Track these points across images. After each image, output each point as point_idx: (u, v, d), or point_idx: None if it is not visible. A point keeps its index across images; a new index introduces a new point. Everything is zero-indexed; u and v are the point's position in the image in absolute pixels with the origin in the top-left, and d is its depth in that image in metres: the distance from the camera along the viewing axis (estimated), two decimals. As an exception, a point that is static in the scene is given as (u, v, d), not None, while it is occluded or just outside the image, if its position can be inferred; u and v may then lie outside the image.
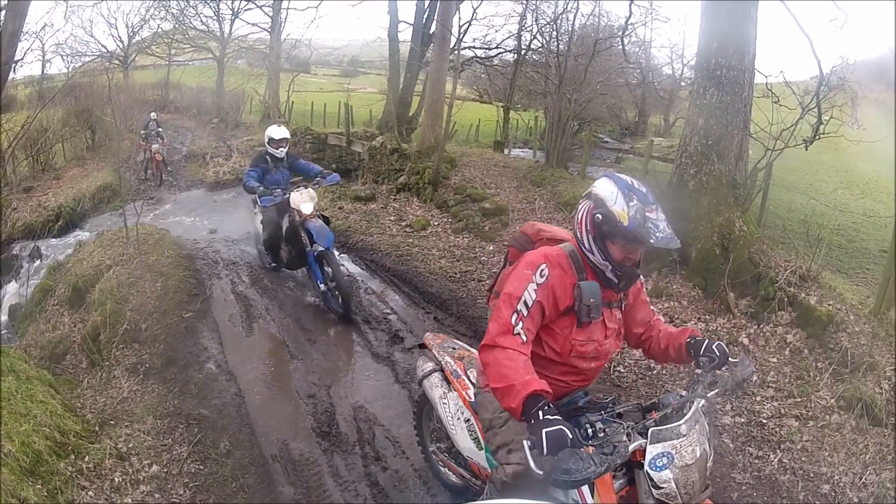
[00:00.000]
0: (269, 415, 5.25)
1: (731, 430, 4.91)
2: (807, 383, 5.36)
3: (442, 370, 3.73)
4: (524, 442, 2.25)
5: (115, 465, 4.38)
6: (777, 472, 4.53)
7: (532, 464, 2.22)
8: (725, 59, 6.97)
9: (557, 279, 2.65)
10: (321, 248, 7.03)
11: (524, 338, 2.54)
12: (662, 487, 2.32)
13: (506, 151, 19.65)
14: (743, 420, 5.03)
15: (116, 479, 4.24)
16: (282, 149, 8.09)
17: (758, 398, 5.28)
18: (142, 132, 17.83)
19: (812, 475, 4.48)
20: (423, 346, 4.04)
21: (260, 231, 8.47)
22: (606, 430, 2.32)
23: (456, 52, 16.80)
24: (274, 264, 8.58)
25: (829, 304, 5.99)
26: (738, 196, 7.12)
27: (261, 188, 7.52)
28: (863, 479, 4.38)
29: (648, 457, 2.34)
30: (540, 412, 2.28)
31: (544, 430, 2.19)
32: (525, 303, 2.58)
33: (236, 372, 5.90)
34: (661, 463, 2.32)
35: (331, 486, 4.41)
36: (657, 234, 2.50)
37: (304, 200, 7.27)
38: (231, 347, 6.45)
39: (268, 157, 8.08)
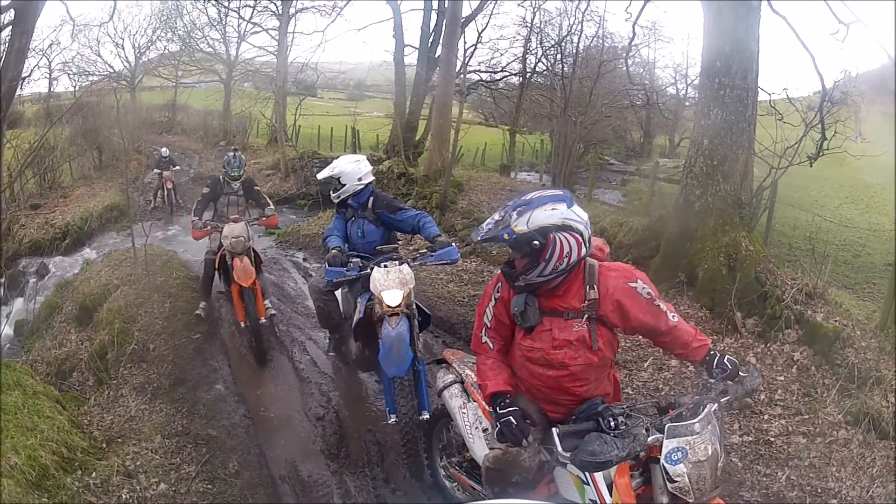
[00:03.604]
0: (279, 436, 5.25)
1: (740, 448, 4.89)
2: (814, 400, 5.36)
3: (462, 382, 3.80)
4: (553, 430, 2.59)
5: (123, 482, 4.39)
6: (785, 489, 4.51)
7: (559, 447, 2.54)
8: (729, 77, 7.02)
9: (507, 292, 2.96)
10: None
11: (491, 345, 3.07)
12: (677, 481, 2.45)
13: (512, 175, 19.77)
14: (751, 439, 5.02)
15: (124, 496, 4.26)
16: (342, 189, 5.38)
17: (765, 416, 5.26)
18: (155, 171, 16.66)
19: (820, 491, 4.46)
20: (441, 361, 4.11)
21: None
22: (628, 422, 2.56)
23: (462, 75, 16.90)
24: (333, 353, 6.39)
25: (836, 321, 6.00)
26: (743, 216, 7.13)
27: (333, 252, 4.92)
28: (870, 493, 4.37)
29: (665, 450, 2.48)
30: (497, 407, 2.88)
31: (498, 421, 2.82)
32: (487, 317, 3.07)
33: (245, 393, 5.90)
34: (676, 457, 2.46)
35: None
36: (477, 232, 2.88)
37: (389, 285, 4.62)
38: (240, 369, 6.44)
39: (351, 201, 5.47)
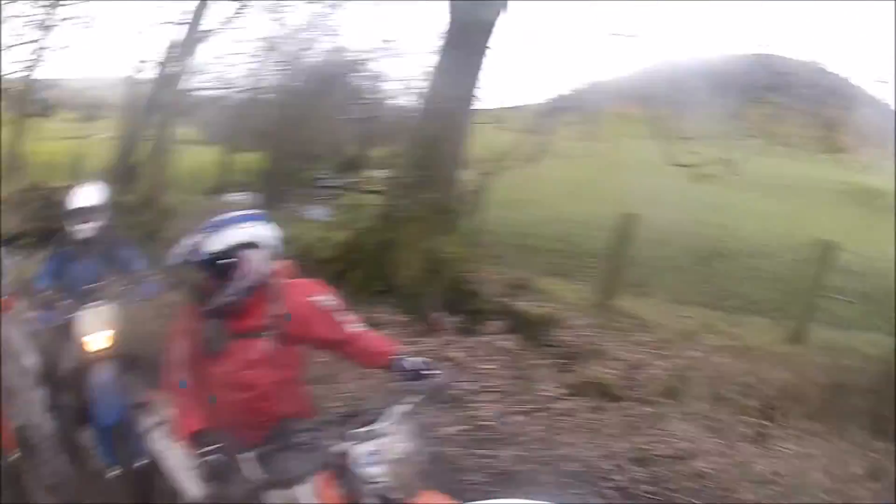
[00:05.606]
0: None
1: (455, 438, 4.97)
2: (529, 380, 5.67)
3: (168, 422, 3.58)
4: (244, 456, 2.65)
5: None
6: (514, 465, 4.67)
7: (253, 472, 2.61)
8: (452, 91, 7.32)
9: (194, 323, 2.85)
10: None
11: (184, 383, 2.86)
12: (377, 482, 2.46)
13: (225, 197, 19.23)
14: (466, 427, 5.12)
15: None
16: (82, 225, 4.78)
17: (478, 404, 5.42)
18: None
19: (557, 457, 4.70)
20: (144, 403, 3.88)
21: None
22: (316, 435, 2.58)
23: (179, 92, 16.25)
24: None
25: (546, 307, 6.49)
26: (446, 221, 7.39)
27: (43, 294, 4.57)
28: (612, 449, 4.75)
29: (353, 456, 2.49)
30: (199, 446, 2.71)
31: (201, 460, 2.67)
32: (176, 353, 2.89)
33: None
34: (369, 460, 2.47)
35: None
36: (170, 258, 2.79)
37: (94, 328, 4.27)
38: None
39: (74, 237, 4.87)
